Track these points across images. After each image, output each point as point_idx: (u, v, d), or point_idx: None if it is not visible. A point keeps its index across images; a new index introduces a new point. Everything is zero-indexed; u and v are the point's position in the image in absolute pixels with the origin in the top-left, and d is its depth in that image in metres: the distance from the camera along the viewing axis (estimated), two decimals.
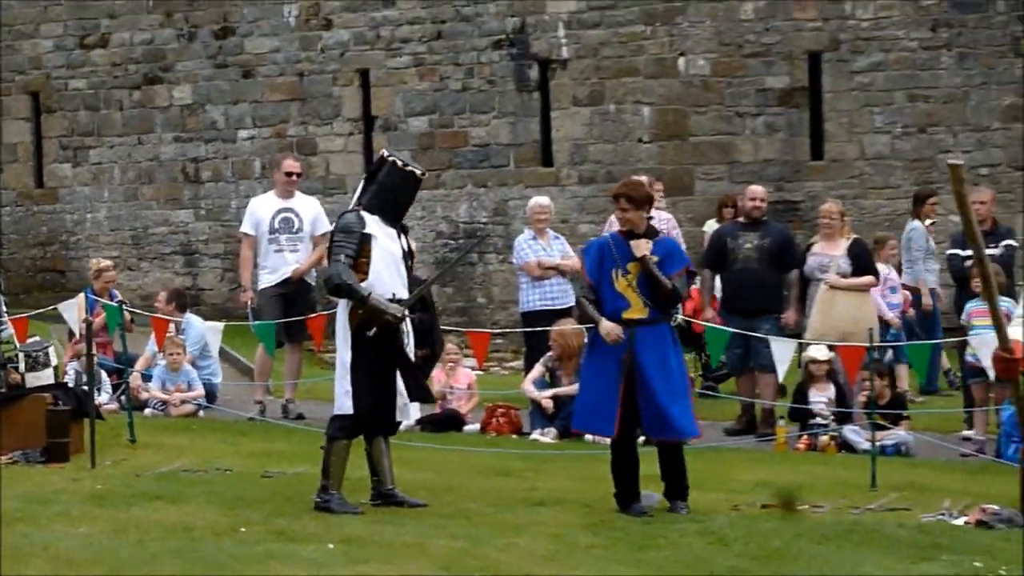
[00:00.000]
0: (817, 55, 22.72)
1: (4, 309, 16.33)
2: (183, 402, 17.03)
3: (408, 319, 11.62)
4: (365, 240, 11.31)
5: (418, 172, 11.85)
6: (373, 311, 11.22)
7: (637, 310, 11.53)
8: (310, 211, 17.32)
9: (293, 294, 16.98)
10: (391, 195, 11.63)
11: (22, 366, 14.11)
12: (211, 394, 17.37)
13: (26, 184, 26.75)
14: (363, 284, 11.22)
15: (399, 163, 11.73)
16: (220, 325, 17.74)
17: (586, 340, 11.83)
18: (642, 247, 11.43)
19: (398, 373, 11.53)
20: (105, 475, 13.11)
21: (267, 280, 17.08)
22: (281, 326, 16.69)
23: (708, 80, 22.85)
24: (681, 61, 22.92)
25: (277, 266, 17.01)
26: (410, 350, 11.74)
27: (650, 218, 12.04)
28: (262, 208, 17.41)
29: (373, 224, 11.41)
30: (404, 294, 11.57)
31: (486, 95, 23.89)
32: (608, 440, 11.95)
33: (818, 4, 22.54)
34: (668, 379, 11.64)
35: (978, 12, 22.11)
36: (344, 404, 11.62)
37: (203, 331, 17.58)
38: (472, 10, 23.77)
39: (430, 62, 24.15)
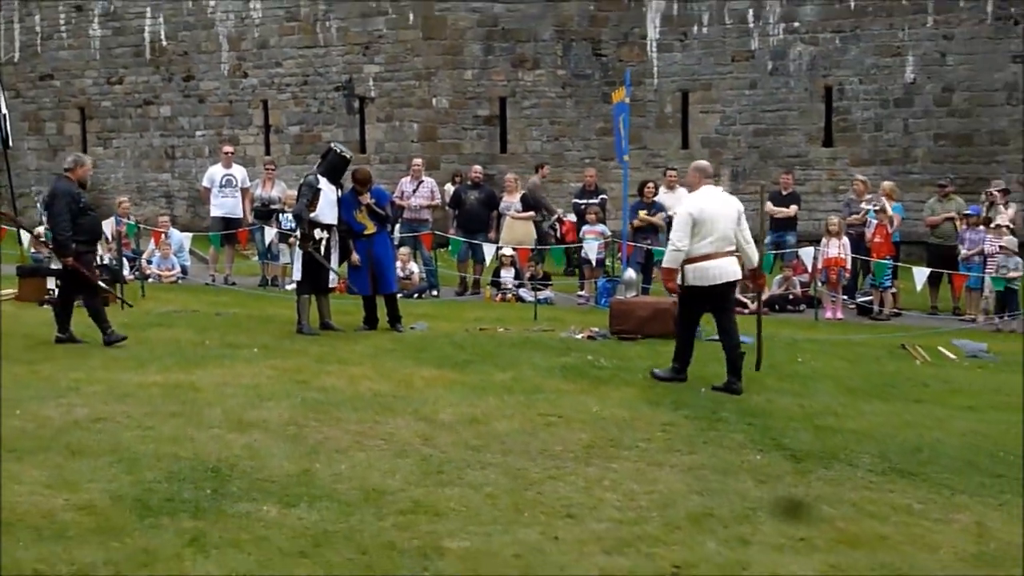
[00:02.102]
0: (504, 99, 22.71)
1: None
2: (170, 276, 16.56)
3: (336, 237, 11.52)
4: (317, 192, 11.21)
5: (348, 155, 11.81)
6: (303, 237, 11.28)
7: (370, 228, 11.58)
8: (240, 174, 17.06)
9: (230, 219, 16.64)
10: (333, 167, 11.51)
11: None
12: (184, 271, 16.90)
13: None
14: (314, 213, 11.19)
15: (338, 151, 11.73)
16: (189, 235, 17.38)
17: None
18: (364, 199, 11.51)
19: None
20: (129, 314, 12.65)
21: (216, 212, 16.79)
22: (223, 235, 16.39)
23: (448, 110, 22.68)
24: (434, 100, 22.69)
25: (223, 205, 16.66)
26: (333, 256, 11.54)
27: (370, 187, 11.73)
28: (215, 173, 17.06)
29: (323, 183, 11.30)
30: (335, 220, 11.40)
31: (331, 115, 23.40)
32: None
33: (504, 71, 22.52)
34: (387, 263, 11.79)
35: (586, 79, 22.30)
36: (297, 276, 11.63)
37: (180, 237, 17.15)
38: (324, 71, 23.22)
39: (300, 96, 23.55)
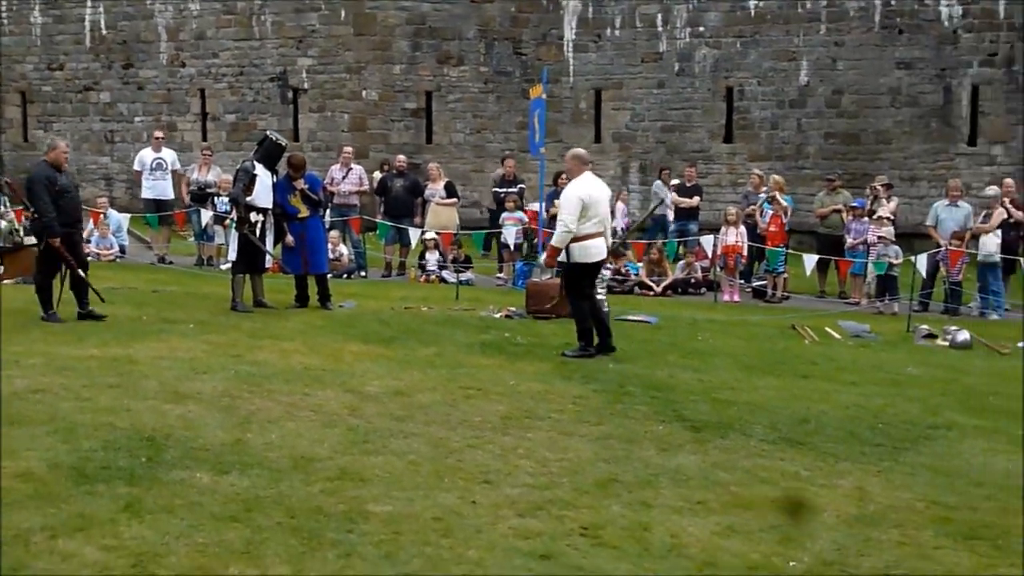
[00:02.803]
0: (430, 93, 22.55)
1: (9, 206, 15.12)
2: (108, 255, 16.13)
3: (271, 220, 11.31)
4: (253, 178, 11.03)
5: (283, 143, 11.67)
6: (240, 220, 11.11)
7: (303, 211, 11.48)
8: (170, 157, 16.75)
9: (161, 201, 16.29)
10: (268, 154, 11.36)
11: (22, 232, 13.21)
12: (122, 250, 16.50)
13: (18, 140, 24.74)
14: (250, 197, 11.00)
15: (274, 138, 11.59)
16: (127, 215, 17.01)
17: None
18: (298, 184, 11.42)
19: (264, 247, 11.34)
20: (68, 291, 12.37)
21: (147, 194, 16.50)
22: (160, 217, 16.09)
23: (378, 103, 22.45)
24: (364, 92, 22.47)
25: (154, 187, 16.25)
26: (268, 238, 11.35)
27: (304, 173, 11.63)
28: (145, 156, 16.71)
29: (259, 168, 11.15)
30: (270, 204, 11.21)
31: (266, 104, 23.01)
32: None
33: (430, 67, 22.39)
34: (318, 245, 11.70)
35: (507, 76, 22.26)
36: (232, 256, 11.44)
37: (119, 218, 16.75)
38: (259, 62, 22.82)
39: (237, 86, 23.12)
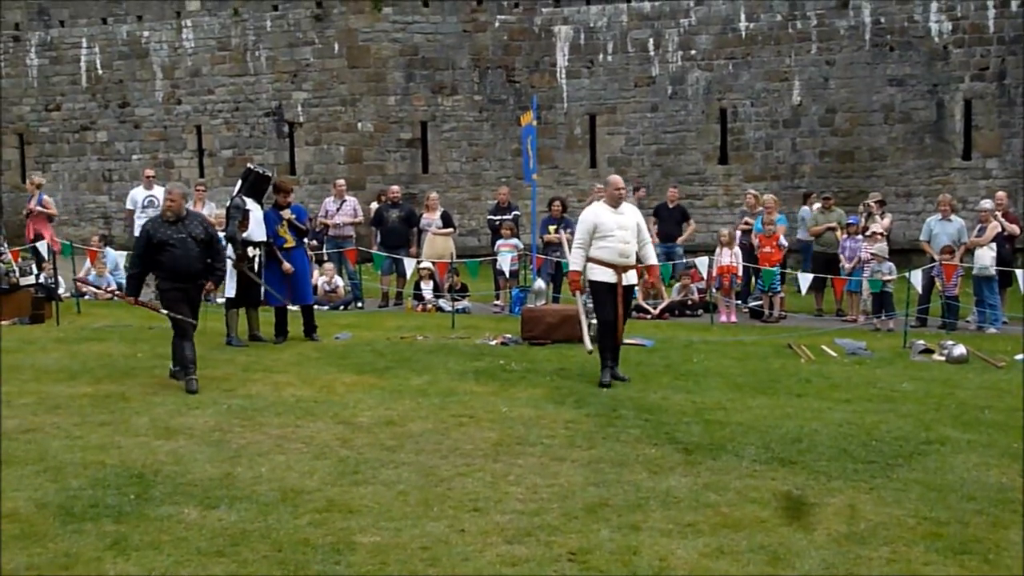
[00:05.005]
0: (425, 123, 22.67)
1: (6, 246, 15.19)
2: (106, 293, 16.13)
3: (260, 256, 11.36)
4: (246, 213, 11.11)
5: (270, 175, 11.76)
6: (239, 257, 11.13)
7: (290, 242, 11.56)
8: (162, 194, 16.61)
9: None
10: (255, 188, 11.42)
11: (18, 273, 13.26)
12: (120, 288, 16.43)
13: (16, 181, 24.79)
14: (245, 233, 11.09)
15: (259, 171, 11.60)
16: (124, 253, 16.95)
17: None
18: (285, 215, 11.53)
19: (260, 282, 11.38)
20: (64, 330, 12.40)
21: (139, 231, 16.48)
22: None
23: (373, 134, 22.58)
24: (359, 124, 22.60)
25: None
26: (262, 272, 11.43)
27: (289, 203, 11.75)
28: (137, 194, 16.69)
29: (250, 203, 11.24)
30: (264, 237, 11.32)
31: (262, 139, 23.17)
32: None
33: (424, 97, 22.52)
34: (303, 276, 11.81)
35: (501, 104, 22.38)
36: (230, 293, 11.40)
37: (115, 256, 16.73)
38: (255, 97, 23.03)
39: (233, 121, 23.28)
